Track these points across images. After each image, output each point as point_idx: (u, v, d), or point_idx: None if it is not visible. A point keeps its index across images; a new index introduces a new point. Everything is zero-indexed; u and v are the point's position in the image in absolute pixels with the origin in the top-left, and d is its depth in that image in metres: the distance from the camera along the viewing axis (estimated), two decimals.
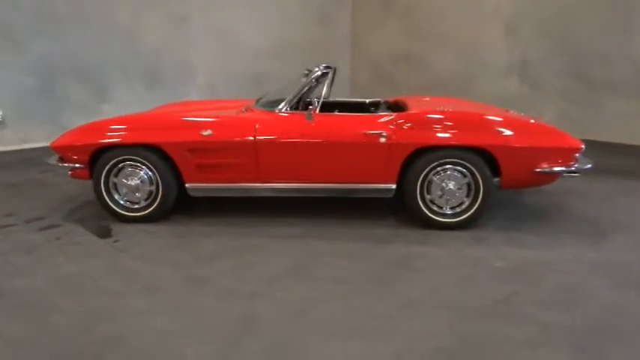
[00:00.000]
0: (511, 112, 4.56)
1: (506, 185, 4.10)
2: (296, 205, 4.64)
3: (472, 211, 4.09)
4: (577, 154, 4.07)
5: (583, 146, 4.08)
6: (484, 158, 3.99)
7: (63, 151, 4.24)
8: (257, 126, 4.11)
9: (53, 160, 4.30)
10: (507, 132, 4.00)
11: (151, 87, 8.81)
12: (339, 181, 4.16)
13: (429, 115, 4.10)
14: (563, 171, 4.01)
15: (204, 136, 4.08)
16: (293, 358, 2.47)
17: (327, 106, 5.06)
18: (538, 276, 3.36)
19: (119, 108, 7.71)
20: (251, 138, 4.07)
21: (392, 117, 4.09)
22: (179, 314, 2.88)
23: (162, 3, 8.78)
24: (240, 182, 4.21)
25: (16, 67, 7.48)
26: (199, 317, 2.85)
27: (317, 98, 4.20)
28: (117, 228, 4.20)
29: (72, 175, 4.31)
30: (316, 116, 4.13)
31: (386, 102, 5.30)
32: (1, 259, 3.62)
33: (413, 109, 4.24)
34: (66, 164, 4.27)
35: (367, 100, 5.36)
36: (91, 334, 2.67)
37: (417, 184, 4.05)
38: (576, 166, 4.07)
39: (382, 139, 3.99)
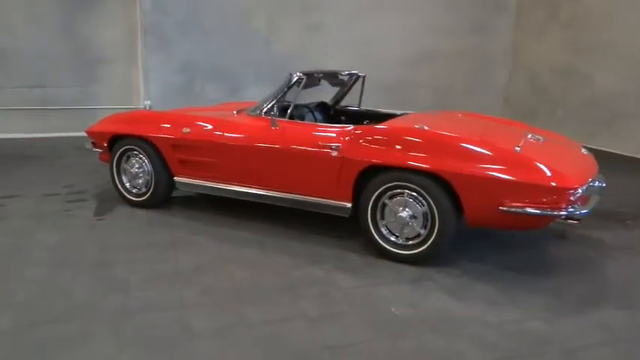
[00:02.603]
0: (531, 137, 3.78)
1: (472, 222, 3.44)
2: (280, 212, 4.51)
3: (426, 245, 3.52)
4: (572, 196, 3.20)
5: (578, 187, 3.19)
6: (444, 186, 3.40)
7: (91, 137, 4.87)
8: (227, 128, 4.17)
9: (88, 144, 4.96)
10: (473, 159, 3.34)
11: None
12: (295, 192, 3.97)
13: (385, 131, 3.65)
14: (540, 214, 3.19)
15: (184, 133, 4.29)
16: None
17: (356, 116, 4.85)
18: (409, 331, 2.79)
19: None
20: (219, 139, 4.14)
21: (349, 129, 3.75)
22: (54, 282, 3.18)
23: (300, 12, 9.20)
24: (213, 181, 4.31)
25: (165, 66, 8.67)
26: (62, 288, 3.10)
27: (287, 103, 4.07)
28: (116, 209, 4.67)
29: (99, 158, 4.92)
30: (281, 123, 4.01)
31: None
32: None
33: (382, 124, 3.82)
34: (95, 149, 4.89)
35: (399, 112, 4.93)
36: None
37: (368, 207, 3.65)
38: (570, 210, 3.20)
39: (334, 153, 3.70)
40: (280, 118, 4.04)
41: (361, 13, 9.42)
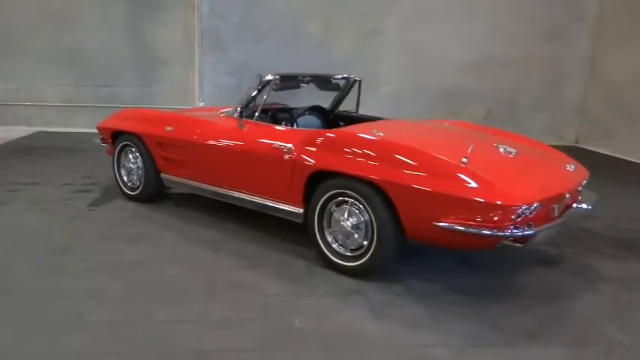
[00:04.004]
0: (502, 150, 3.51)
1: (412, 236, 3.21)
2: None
3: (366, 258, 3.33)
4: (513, 215, 2.89)
5: (520, 206, 2.88)
6: (384, 197, 3.21)
7: (99, 132, 5.16)
8: (202, 128, 4.23)
9: (97, 139, 5.26)
10: (411, 169, 3.12)
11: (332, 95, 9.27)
12: (254, 194, 3.94)
13: (331, 136, 3.51)
14: (473, 233, 2.90)
15: (167, 131, 4.42)
16: None
17: (354, 122, 4.71)
18: (296, 345, 2.65)
19: None
20: (192, 138, 4.22)
21: (301, 133, 3.66)
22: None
23: (356, 16, 9.12)
24: (190, 179, 4.39)
25: (218, 68, 8.99)
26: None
27: (252, 104, 4.04)
28: (112, 201, 4.89)
29: (107, 152, 5.20)
30: (248, 124, 4.00)
31: None
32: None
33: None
34: (103, 144, 5.17)
35: (397, 118, 4.72)
36: None
37: (314, 215, 3.54)
38: (513, 231, 2.90)
39: (286, 156, 3.63)
40: (248, 120, 4.02)
41: (419, 17, 9.16)
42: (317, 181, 3.51)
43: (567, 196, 3.36)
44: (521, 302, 3.21)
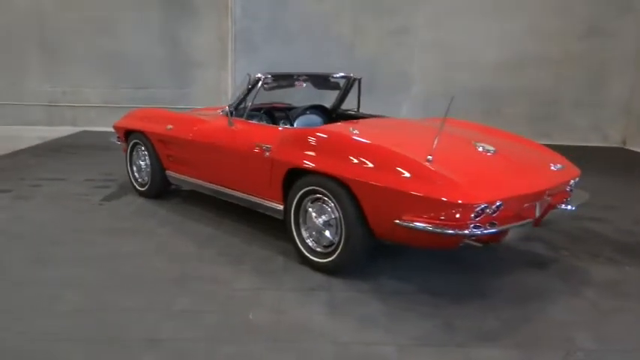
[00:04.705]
0: (481, 149, 3.44)
1: (378, 235, 3.21)
2: None
3: (336, 254, 3.36)
4: (473, 214, 2.85)
5: (479, 204, 2.82)
6: (349, 193, 3.23)
7: (115, 131, 5.42)
8: (197, 126, 4.37)
9: (114, 138, 5.52)
10: (376, 167, 3.12)
11: (364, 94, 9.25)
12: (241, 190, 4.04)
13: (307, 134, 3.55)
14: (431, 231, 2.87)
15: (167, 130, 4.60)
16: None
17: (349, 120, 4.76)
18: (243, 337, 2.71)
19: None
20: (188, 136, 4.37)
21: (280, 131, 3.72)
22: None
23: (386, 15, 9.09)
24: (189, 176, 4.54)
25: (250, 69, 9.13)
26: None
27: (244, 104, 4.13)
28: (123, 196, 5.12)
29: (122, 150, 5.46)
30: (238, 123, 4.10)
31: None
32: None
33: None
34: (118, 142, 5.43)
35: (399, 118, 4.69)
36: None
37: (291, 211, 3.60)
38: (473, 230, 2.85)
39: (267, 153, 3.71)
40: (238, 118, 4.12)
41: (450, 15, 9.01)
42: (294, 179, 3.56)
43: (547, 195, 3.24)
44: (491, 303, 3.13)
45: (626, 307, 3.13)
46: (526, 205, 3.12)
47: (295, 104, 4.92)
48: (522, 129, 9.16)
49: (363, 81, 9.20)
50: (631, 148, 9.23)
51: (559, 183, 3.36)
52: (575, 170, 3.62)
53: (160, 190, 4.96)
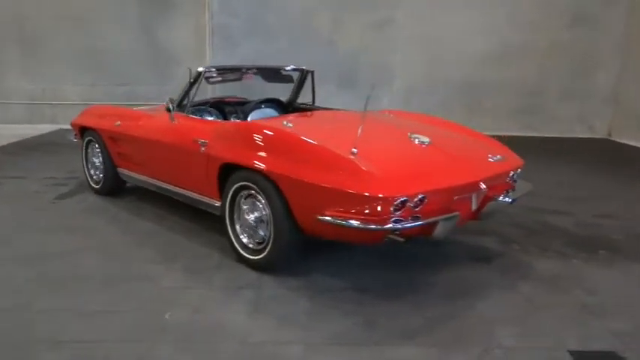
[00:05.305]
0: (416, 141, 3.32)
1: (305, 230, 3.12)
2: None
3: (266, 251, 3.27)
4: (392, 207, 2.74)
5: (396, 197, 2.72)
6: (277, 188, 3.14)
7: (72, 128, 5.35)
8: (142, 122, 4.30)
9: (71, 135, 5.44)
10: (299, 161, 3.02)
11: (344, 89, 9.18)
12: (181, 186, 3.96)
13: (237, 128, 3.47)
14: (348, 226, 2.77)
15: (115, 126, 4.52)
16: None
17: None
18: (152, 337, 2.63)
19: None
20: (133, 132, 4.29)
21: (214, 125, 3.63)
22: None
23: (366, 8, 8.96)
24: (136, 172, 4.47)
25: (229, 62, 9.09)
26: None
27: (171, 98, 4.04)
28: (78, 194, 5.06)
29: (79, 148, 5.39)
30: (179, 118, 4.01)
31: None
32: None
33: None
34: (75, 139, 5.35)
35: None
36: None
37: (225, 207, 3.51)
38: (393, 224, 2.75)
39: (203, 148, 3.62)
40: (180, 113, 4.03)
41: (433, 7, 8.88)
42: (229, 174, 3.47)
43: (482, 186, 3.13)
44: (421, 300, 3.03)
45: (560, 302, 3.02)
46: (456, 197, 3.01)
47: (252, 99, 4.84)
48: (506, 121, 9.06)
49: (344, 75, 9.14)
50: (616, 140, 9.06)
51: (496, 174, 3.25)
52: (518, 161, 3.51)
53: (113, 187, 4.89)
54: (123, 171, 4.65)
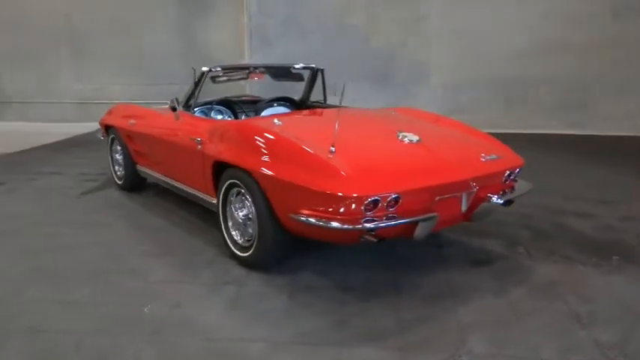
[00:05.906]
0: (407, 139, 3.25)
1: (288, 229, 3.12)
2: None
3: (253, 248, 3.31)
4: (363, 206, 2.71)
5: (368, 196, 2.68)
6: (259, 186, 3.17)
7: (100, 126, 5.58)
8: (153, 120, 4.43)
9: (98, 133, 5.68)
10: (280, 160, 3.04)
11: (380, 86, 9.10)
12: (184, 183, 4.06)
13: (228, 127, 3.51)
14: (319, 225, 2.76)
15: (130, 125, 4.69)
16: None
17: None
18: (125, 330, 2.70)
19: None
20: (143, 130, 4.44)
21: (210, 124, 3.70)
22: None
23: (400, 4, 8.84)
24: (150, 169, 4.61)
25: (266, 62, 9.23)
26: None
27: (176, 98, 4.13)
28: (103, 190, 5.28)
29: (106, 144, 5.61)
30: (184, 117, 4.11)
31: None
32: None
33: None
34: (102, 137, 5.59)
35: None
36: None
37: (219, 204, 3.57)
38: (366, 225, 2.72)
39: (199, 147, 3.70)
40: (185, 112, 4.12)
41: (467, 2, 8.62)
42: (222, 172, 3.52)
43: (473, 186, 3.02)
44: (401, 301, 2.96)
45: (546, 309, 2.87)
46: (439, 197, 2.92)
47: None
48: (548, 119, 8.68)
49: (378, 72, 9.03)
50: None
51: (487, 174, 3.12)
52: (516, 161, 3.36)
53: (134, 183, 5.06)
54: (140, 168, 4.80)
